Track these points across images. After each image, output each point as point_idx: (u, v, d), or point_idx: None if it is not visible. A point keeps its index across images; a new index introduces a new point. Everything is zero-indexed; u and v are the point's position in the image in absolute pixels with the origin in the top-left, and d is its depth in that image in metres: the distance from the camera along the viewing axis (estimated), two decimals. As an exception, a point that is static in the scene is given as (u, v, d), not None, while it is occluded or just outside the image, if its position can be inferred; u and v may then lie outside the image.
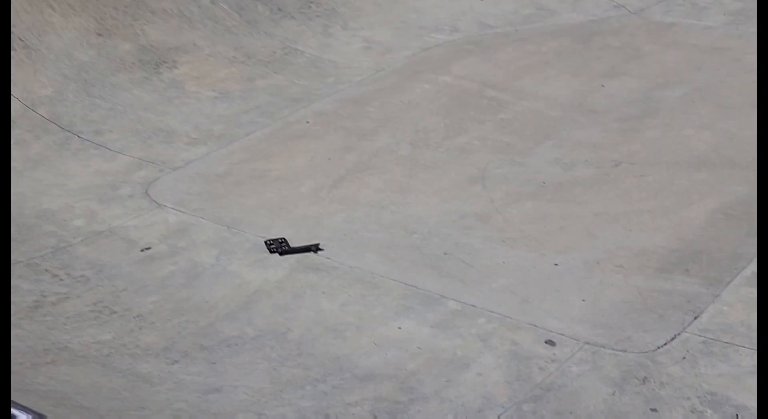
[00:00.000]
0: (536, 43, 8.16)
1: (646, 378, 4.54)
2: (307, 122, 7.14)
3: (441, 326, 4.96)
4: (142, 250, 5.70)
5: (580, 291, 5.20)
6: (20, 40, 7.34)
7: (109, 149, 6.74)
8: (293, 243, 5.68)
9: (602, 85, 7.35)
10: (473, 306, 5.11)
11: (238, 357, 4.78)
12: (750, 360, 4.64)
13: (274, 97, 7.43)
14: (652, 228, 5.69)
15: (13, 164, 6.47)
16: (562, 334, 4.84)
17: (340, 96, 7.43)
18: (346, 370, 4.67)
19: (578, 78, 7.47)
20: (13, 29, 7.36)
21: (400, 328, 4.97)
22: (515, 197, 6.07)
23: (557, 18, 8.57)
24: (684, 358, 4.65)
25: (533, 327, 4.90)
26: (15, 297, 5.13)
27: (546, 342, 4.81)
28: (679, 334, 4.80)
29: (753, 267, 5.24)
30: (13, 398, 3.11)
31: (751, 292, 5.08)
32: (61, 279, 5.38)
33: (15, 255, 5.54)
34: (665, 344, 4.75)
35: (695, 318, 4.91)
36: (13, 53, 7.25)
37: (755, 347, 4.69)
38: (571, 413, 4.37)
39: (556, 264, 5.44)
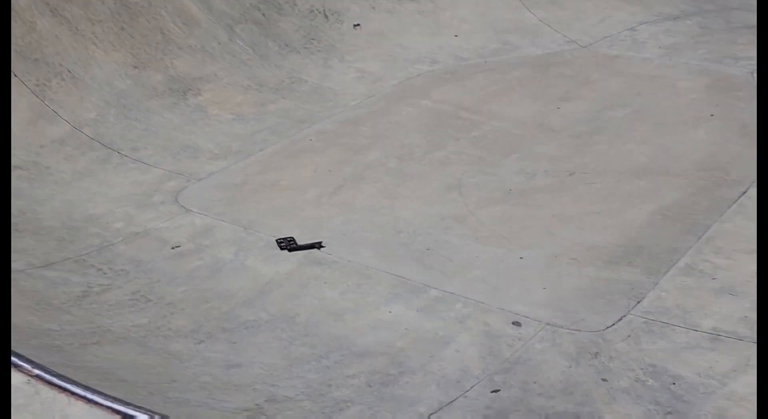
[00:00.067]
0: (502, 72, 8.15)
1: (597, 353, 4.56)
2: (311, 140, 7.15)
3: (425, 310, 5.00)
4: (172, 248, 5.70)
5: (541, 280, 5.23)
6: (68, 71, 7.31)
7: (144, 163, 6.73)
8: (300, 242, 5.67)
9: (558, 107, 7.39)
10: (452, 293, 5.14)
11: (254, 338, 4.80)
12: (684, 337, 4.66)
13: (283, 119, 7.43)
14: (601, 227, 5.69)
15: (63, 176, 6.46)
16: (526, 317, 4.88)
17: (338, 118, 7.44)
18: (345, 348, 4.71)
19: (537, 101, 7.48)
20: (62, 62, 7.31)
21: (390, 312, 5.01)
22: (486, 202, 6.08)
23: (519, 51, 8.57)
24: (629, 336, 4.68)
25: (502, 311, 4.93)
26: (65, 288, 5.19)
27: (513, 324, 4.86)
28: (624, 316, 4.84)
29: (686, 260, 5.28)
30: (65, 374, 3.06)
31: (685, 281, 5.13)
32: (105, 273, 5.38)
33: (65, 253, 5.58)
34: (613, 324, 4.78)
35: (638, 302, 4.95)
36: (62, 83, 7.22)
37: (689, 326, 4.69)
38: (534, 383, 4.39)
39: (521, 258, 5.45)
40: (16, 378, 3.07)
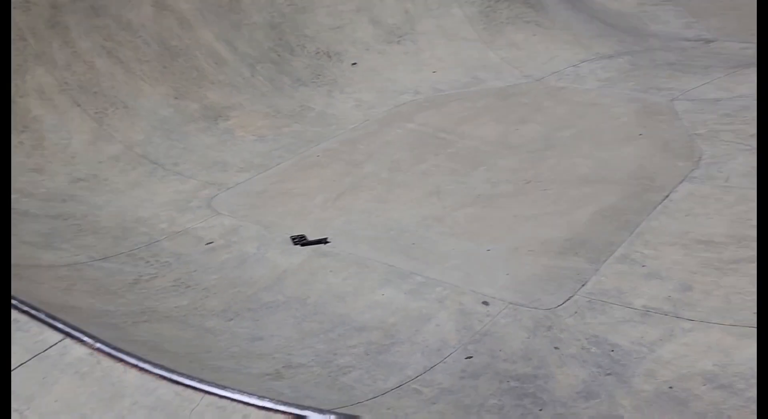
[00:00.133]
0: (472, 100, 8.15)
1: (550, 326, 4.57)
2: (318, 156, 7.16)
3: (411, 293, 5.01)
4: (206, 244, 5.70)
5: (505, 268, 5.23)
6: (122, 102, 7.31)
7: (183, 176, 6.73)
8: (309, 238, 5.66)
9: (516, 129, 7.41)
10: (433, 279, 5.14)
11: (273, 316, 4.81)
12: (620, 313, 4.68)
13: (295, 139, 7.44)
14: (552, 225, 5.70)
15: (117, 186, 6.47)
16: (493, 297, 4.88)
17: (340, 138, 7.44)
18: (347, 323, 4.73)
19: (500, 124, 7.48)
20: (116, 95, 7.29)
21: (383, 294, 5.03)
22: (459, 205, 6.08)
23: (485, 84, 8.57)
24: (576, 312, 4.70)
25: (473, 293, 4.93)
26: (120, 276, 5.20)
27: (482, 303, 4.88)
28: (572, 296, 4.85)
29: (621, 251, 5.29)
30: (121, 347, 3.04)
31: (620, 268, 5.15)
32: (152, 264, 5.38)
33: (120, 248, 5.59)
34: (563, 303, 4.79)
35: (582, 285, 4.95)
36: (116, 111, 7.21)
37: (623, 304, 4.69)
38: (500, 351, 4.39)
39: (488, 250, 5.45)
40: (81, 351, 3.06)
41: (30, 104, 6.85)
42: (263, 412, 2.72)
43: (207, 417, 2.71)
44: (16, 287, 3.89)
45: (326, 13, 9.13)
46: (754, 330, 4.30)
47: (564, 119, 7.51)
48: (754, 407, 3.67)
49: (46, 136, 6.71)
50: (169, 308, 4.76)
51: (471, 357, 4.29)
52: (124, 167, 6.70)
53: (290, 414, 2.70)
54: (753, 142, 6.70)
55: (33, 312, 3.33)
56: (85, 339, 3.13)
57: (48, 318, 3.27)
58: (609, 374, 4.07)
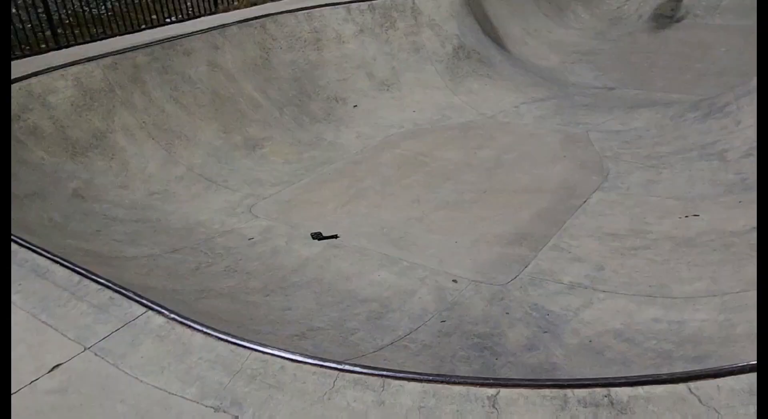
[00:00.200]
0: (442, 132, 8.18)
1: (502, 298, 4.58)
2: (329, 174, 7.15)
3: (400, 274, 5.01)
4: (249, 239, 5.69)
5: (468, 255, 5.23)
6: (185, 135, 7.31)
7: (231, 189, 6.73)
8: (324, 234, 5.66)
9: (475, 153, 7.43)
10: (415, 263, 5.14)
11: (298, 292, 4.82)
12: (553, 287, 4.70)
13: (312, 162, 7.46)
14: (502, 223, 5.69)
15: (182, 197, 6.46)
16: (461, 277, 4.90)
17: (345, 161, 7.45)
18: (353, 297, 4.73)
19: (463, 149, 7.51)
20: (181, 130, 7.27)
21: (379, 275, 5.05)
22: (434, 209, 6.08)
23: (452, 120, 8.60)
24: (521, 287, 4.72)
25: (446, 274, 4.94)
26: (185, 264, 5.22)
27: (453, 281, 4.88)
28: (517, 275, 4.87)
29: (553, 242, 5.33)
30: (189, 317, 3.04)
31: (552, 254, 5.16)
32: (208, 255, 5.38)
33: (185, 243, 5.60)
34: (511, 280, 4.81)
35: (525, 267, 4.97)
36: (181, 142, 7.20)
37: (555, 281, 4.69)
38: (466, 316, 4.43)
39: (456, 242, 5.44)
40: (160, 320, 3.05)
41: (118, 138, 6.83)
42: (294, 363, 2.72)
43: (253, 367, 2.70)
44: (108, 273, 3.88)
45: (334, 69, 9.14)
46: (650, 298, 4.35)
47: (509, 145, 7.53)
48: (650, 354, 3.70)
49: (129, 161, 6.69)
50: (221, 287, 4.75)
51: (444, 320, 4.30)
52: (187, 183, 6.68)
53: (314, 364, 2.70)
54: (646, 162, 6.75)
55: (123, 291, 3.32)
56: (163, 311, 3.12)
57: (135, 296, 3.26)
58: (546, 332, 4.10)
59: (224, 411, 2.48)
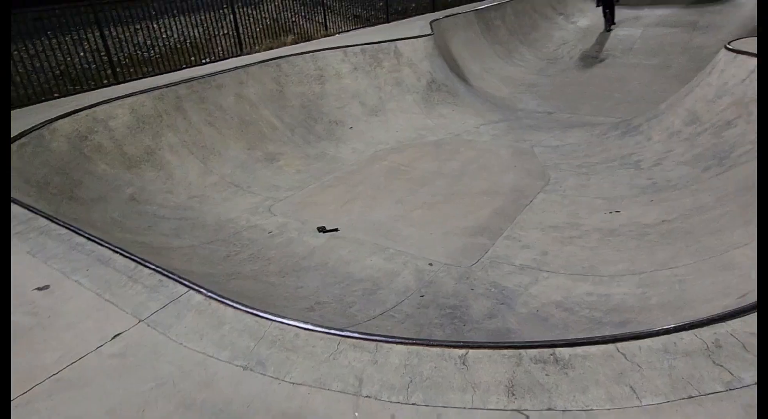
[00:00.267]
0: (419, 148, 8.16)
1: (468, 277, 4.55)
2: (331, 181, 7.07)
3: (387, 259, 4.98)
4: (268, 233, 5.62)
5: (441, 244, 5.20)
6: (218, 151, 7.24)
7: (254, 193, 6.67)
8: (328, 228, 5.61)
9: (446, 163, 7.40)
10: (399, 251, 5.11)
11: (308, 274, 4.76)
12: (507, 268, 4.67)
13: (318, 172, 7.41)
14: (467, 219, 5.68)
15: (215, 200, 6.37)
16: (435, 261, 4.87)
17: (343, 171, 7.42)
18: (351, 278, 4.69)
19: (435, 161, 7.50)
20: (213, 147, 7.20)
21: (371, 261, 5.01)
22: (413, 209, 6.06)
23: (426, 139, 8.58)
24: (482, 269, 4.70)
25: (424, 258, 4.92)
26: (218, 253, 5.15)
27: (429, 264, 4.85)
28: (479, 260, 4.85)
29: (506, 233, 5.30)
30: (222, 295, 3.01)
31: (506, 242, 5.14)
32: (236, 245, 5.32)
33: (217, 236, 5.53)
34: (475, 263, 4.79)
35: (485, 253, 4.97)
36: (213, 157, 7.11)
37: (509, 263, 4.67)
38: (440, 292, 4.37)
39: (431, 234, 5.42)
40: (199, 297, 3.01)
41: (164, 154, 6.76)
42: (305, 331, 2.68)
43: (274, 334, 2.67)
44: (157, 260, 3.82)
45: (334, 99, 9.09)
46: (583, 277, 4.35)
47: (471, 158, 7.53)
48: (584, 320, 3.70)
49: (174, 172, 6.62)
50: (247, 271, 4.71)
51: (423, 296, 4.28)
52: (219, 189, 6.62)
53: (321, 331, 2.67)
54: (578, 170, 6.78)
55: (170, 275, 3.27)
56: (201, 290, 3.07)
57: (179, 279, 3.21)
58: (502, 304, 4.09)
59: (251, 370, 2.45)
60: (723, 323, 2.35)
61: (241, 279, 4.44)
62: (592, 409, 2.03)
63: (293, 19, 11.88)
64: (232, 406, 2.25)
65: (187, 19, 9.77)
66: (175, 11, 9.57)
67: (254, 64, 8.71)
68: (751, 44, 6.85)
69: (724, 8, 16.13)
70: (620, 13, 16.78)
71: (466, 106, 9.87)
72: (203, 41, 9.97)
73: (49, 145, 5.99)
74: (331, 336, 2.61)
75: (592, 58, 14.36)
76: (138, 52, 9.48)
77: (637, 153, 6.86)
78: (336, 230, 5.58)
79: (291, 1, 11.88)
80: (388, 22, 13.59)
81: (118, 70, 8.56)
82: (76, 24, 8.13)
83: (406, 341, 2.51)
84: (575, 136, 8.21)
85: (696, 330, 2.32)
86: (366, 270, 4.77)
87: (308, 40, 11.24)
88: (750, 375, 2.09)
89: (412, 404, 2.17)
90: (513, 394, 2.14)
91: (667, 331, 2.32)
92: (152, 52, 9.69)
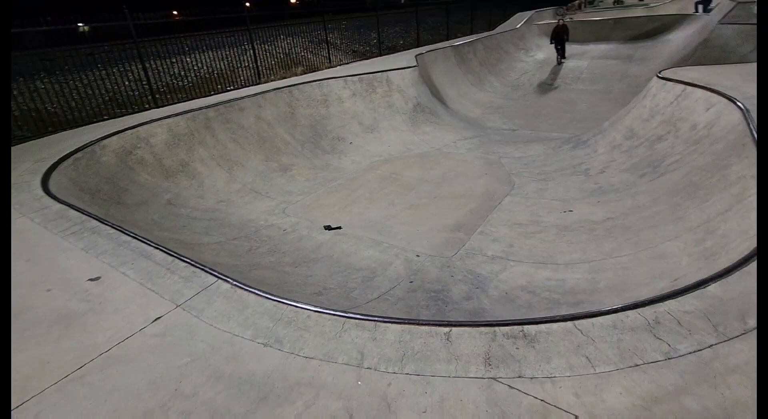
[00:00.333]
0: (407, 159, 8.11)
1: (449, 266, 4.52)
2: (334, 188, 6.99)
3: (382, 252, 4.92)
4: (283, 230, 5.54)
5: (427, 238, 5.15)
6: (240, 163, 7.13)
7: (271, 198, 6.59)
8: (332, 226, 5.54)
9: (429, 172, 7.34)
10: (392, 244, 5.06)
11: (316, 264, 4.70)
12: (481, 258, 4.62)
13: (324, 180, 7.34)
14: (447, 218, 5.64)
15: (239, 203, 6.27)
16: (422, 253, 4.82)
17: (344, 179, 7.34)
18: (352, 267, 4.63)
19: (421, 170, 7.45)
20: (236, 160, 7.11)
21: (369, 253, 4.94)
22: (403, 209, 6.01)
23: (413, 151, 8.52)
24: (460, 259, 4.66)
25: (413, 250, 4.87)
26: (241, 248, 5.05)
27: (416, 256, 4.79)
28: (458, 251, 4.81)
29: (480, 229, 5.25)
30: (246, 283, 2.96)
31: (480, 237, 5.08)
32: (256, 241, 5.24)
33: (241, 234, 5.43)
34: (454, 254, 4.75)
35: (463, 245, 4.91)
36: (236, 168, 7.01)
37: (483, 254, 4.62)
38: (426, 278, 4.30)
39: (418, 230, 5.36)
40: (226, 286, 2.96)
41: (197, 166, 6.67)
42: (316, 313, 2.64)
43: (289, 316, 2.62)
44: (191, 254, 3.77)
45: (336, 119, 9.03)
46: (543, 265, 4.32)
47: (450, 167, 7.50)
48: (545, 301, 3.67)
49: (204, 181, 6.53)
50: (265, 262, 4.64)
51: (412, 282, 4.24)
52: (242, 194, 6.54)
53: (329, 313, 2.63)
54: (538, 177, 6.75)
55: (201, 267, 3.21)
56: (228, 279, 3.02)
57: (209, 270, 3.16)
58: (477, 288, 4.05)
59: (270, 346, 2.40)
60: (661, 303, 2.33)
61: (260, 270, 4.38)
62: (555, 376, 2.01)
63: (302, 53, 11.81)
64: (255, 377, 2.20)
65: (215, 54, 9.68)
66: (204, 47, 9.47)
67: (270, 90, 8.63)
68: (677, 73, 6.88)
69: (654, 44, 16.23)
70: (570, 48, 16.84)
71: (445, 125, 9.84)
72: (228, 72, 9.88)
73: (100, 159, 5.90)
74: (337, 317, 2.57)
75: (547, 85, 14.38)
76: (174, 81, 9.37)
77: (586, 162, 6.86)
78: (339, 228, 5.52)
79: (300, 39, 11.80)
80: (381, 56, 13.54)
81: (157, 96, 8.46)
82: (122, 58, 8.04)
83: (400, 321, 2.48)
84: (535, 149, 8.20)
85: (639, 310, 2.30)
86: (364, 260, 4.72)
87: (315, 71, 11.17)
88: (684, 346, 2.08)
89: (406, 374, 2.13)
90: (489, 364, 2.11)
91: (616, 310, 2.30)
92: (186, 81, 9.58)
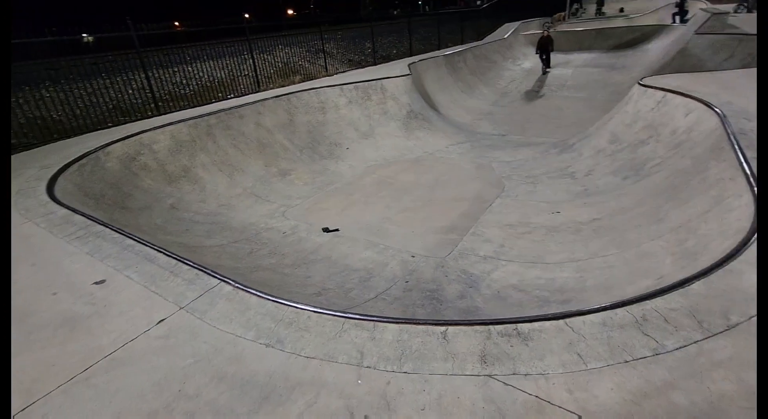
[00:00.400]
0: (401, 164, 8.10)
1: (443, 266, 4.48)
2: (332, 192, 6.96)
3: (379, 253, 4.90)
4: (283, 233, 5.50)
5: (420, 240, 5.13)
6: (241, 168, 7.08)
7: (270, 202, 6.53)
8: (330, 228, 5.51)
9: (423, 176, 7.31)
10: (388, 246, 5.03)
11: (315, 266, 4.66)
12: (473, 258, 4.60)
13: (322, 184, 7.30)
14: (441, 220, 5.62)
15: (240, 207, 6.21)
16: (417, 253, 4.79)
17: (341, 183, 7.31)
18: (349, 268, 4.59)
19: (415, 174, 7.45)
20: (236, 165, 7.06)
21: (365, 254, 4.91)
22: (398, 212, 5.99)
23: (407, 157, 8.50)
24: (454, 259, 4.64)
25: (408, 251, 4.85)
26: (242, 250, 4.99)
27: (411, 256, 4.77)
28: (451, 252, 4.79)
29: (472, 230, 5.24)
30: (247, 285, 2.92)
31: (472, 238, 5.06)
32: (257, 244, 5.21)
33: (242, 236, 5.36)
34: (448, 255, 4.73)
35: (455, 246, 4.90)
36: (237, 172, 6.95)
37: (475, 254, 4.61)
38: (421, 278, 4.28)
39: (412, 232, 5.34)
40: (229, 288, 2.91)
41: (198, 171, 6.62)
42: (316, 314, 2.61)
43: (290, 317, 2.59)
44: (193, 257, 3.72)
45: (333, 125, 9.00)
46: (533, 264, 4.31)
47: (443, 171, 7.49)
48: (535, 299, 3.66)
49: (206, 185, 6.48)
50: (266, 264, 4.59)
51: (407, 281, 4.21)
52: (243, 199, 6.49)
53: (329, 314, 2.59)
54: (527, 180, 6.76)
55: (204, 269, 3.17)
56: (230, 282, 2.98)
57: (211, 272, 3.11)
58: (470, 287, 4.04)
59: (272, 347, 2.36)
60: (648, 301, 2.33)
61: (261, 271, 4.34)
62: (548, 373, 1.99)
63: (300, 62, 11.77)
64: (257, 377, 2.17)
65: (215, 63, 9.63)
66: (205, 57, 9.42)
67: (269, 98, 8.58)
68: (657, 81, 6.93)
69: (635, 53, 16.37)
70: (555, 57, 16.94)
71: (437, 131, 9.84)
72: (228, 81, 9.83)
73: (105, 165, 5.83)
74: (337, 317, 2.54)
75: (534, 92, 14.45)
76: (176, 89, 9.30)
77: (572, 166, 6.88)
78: (337, 230, 5.49)
79: (298, 49, 11.77)
80: (376, 65, 13.54)
81: (159, 104, 8.40)
82: (126, 67, 7.97)
83: (398, 320, 2.45)
84: (523, 153, 8.22)
85: (627, 307, 2.30)
86: (361, 262, 4.69)
87: (312, 79, 11.14)
88: (671, 343, 2.07)
89: (404, 372, 2.10)
90: (485, 362, 2.09)
91: (605, 308, 2.29)
92: (187, 89, 9.51)
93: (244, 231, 5.54)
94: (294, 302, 2.73)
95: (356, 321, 2.47)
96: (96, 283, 3.08)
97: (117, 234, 3.74)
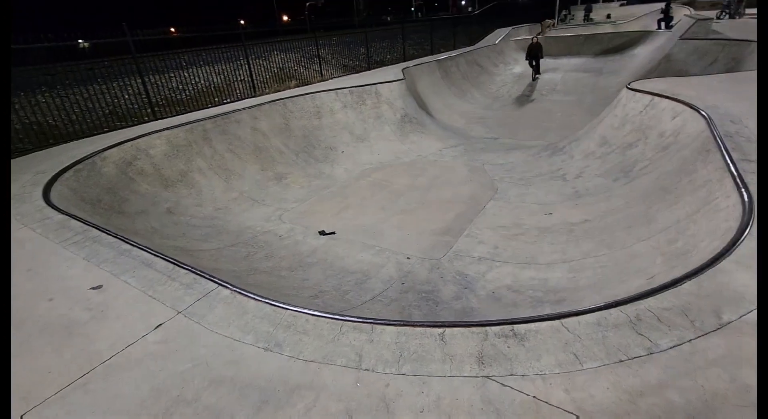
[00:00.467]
0: (396, 167, 8.07)
1: (438, 267, 4.48)
2: (327, 195, 6.92)
3: (375, 255, 4.88)
4: (279, 236, 5.45)
5: (416, 241, 5.11)
6: (239, 173, 7.03)
7: (267, 205, 6.49)
8: (327, 231, 5.47)
9: (417, 178, 7.32)
10: (384, 248, 5.01)
11: (311, 269, 4.62)
12: (468, 260, 4.59)
13: (317, 187, 7.27)
14: (436, 222, 5.61)
15: (236, 211, 6.15)
16: (412, 255, 4.78)
17: (337, 187, 7.28)
18: (346, 270, 4.56)
19: (409, 177, 7.44)
20: (234, 170, 7.01)
21: (361, 256, 4.88)
22: (394, 214, 5.97)
23: (401, 160, 8.52)
24: (449, 260, 4.62)
25: (403, 253, 4.83)
26: (239, 253, 4.93)
27: (407, 258, 4.75)
28: (446, 253, 4.78)
29: (466, 232, 5.22)
30: (245, 288, 2.88)
31: (466, 240, 5.05)
32: (254, 247, 5.15)
33: (238, 240, 5.31)
34: (443, 256, 4.72)
35: (450, 248, 4.88)
36: (235, 176, 6.90)
37: (470, 255, 4.59)
38: (417, 280, 4.26)
39: (408, 234, 5.32)
40: (226, 292, 2.88)
41: (195, 175, 6.56)
42: (314, 317, 2.58)
43: (288, 320, 2.56)
44: (191, 261, 3.67)
45: (329, 130, 8.98)
46: (526, 265, 4.31)
47: (437, 174, 7.49)
48: (529, 299, 3.65)
49: (202, 190, 6.42)
50: (263, 267, 4.55)
51: (403, 283, 4.20)
52: (239, 202, 6.44)
53: (327, 317, 2.57)
54: (519, 182, 6.78)
55: (201, 273, 3.13)
56: (228, 286, 2.94)
57: (209, 276, 3.08)
58: (465, 288, 4.03)
59: (271, 350, 2.33)
60: (641, 301, 2.33)
61: (258, 274, 4.30)
62: (545, 373, 1.98)
63: (295, 68, 11.75)
64: (256, 381, 2.13)
65: (211, 69, 9.58)
66: (201, 62, 9.36)
67: (265, 103, 8.54)
68: (645, 85, 6.98)
69: (622, 58, 16.54)
70: (545, 62, 17.06)
71: (431, 134, 9.85)
72: (224, 86, 9.77)
73: (101, 170, 5.76)
74: (335, 320, 2.51)
75: (525, 96, 14.53)
76: (172, 94, 9.23)
77: (563, 168, 6.91)
78: (333, 233, 5.46)
79: (293, 55, 11.75)
80: (370, 70, 13.55)
81: (156, 109, 8.33)
82: (122, 73, 7.90)
83: (396, 322, 2.43)
84: (516, 156, 8.24)
85: (621, 307, 2.29)
86: (358, 264, 4.66)
87: (307, 84, 11.11)
88: (665, 342, 2.07)
89: (403, 374, 2.08)
90: (482, 363, 2.07)
91: (599, 308, 2.29)
92: (184, 94, 9.45)
93: (241, 235, 5.48)
94: (292, 305, 2.70)
95: (354, 323, 2.45)
96: (93, 288, 3.03)
97: (114, 239, 3.69)
